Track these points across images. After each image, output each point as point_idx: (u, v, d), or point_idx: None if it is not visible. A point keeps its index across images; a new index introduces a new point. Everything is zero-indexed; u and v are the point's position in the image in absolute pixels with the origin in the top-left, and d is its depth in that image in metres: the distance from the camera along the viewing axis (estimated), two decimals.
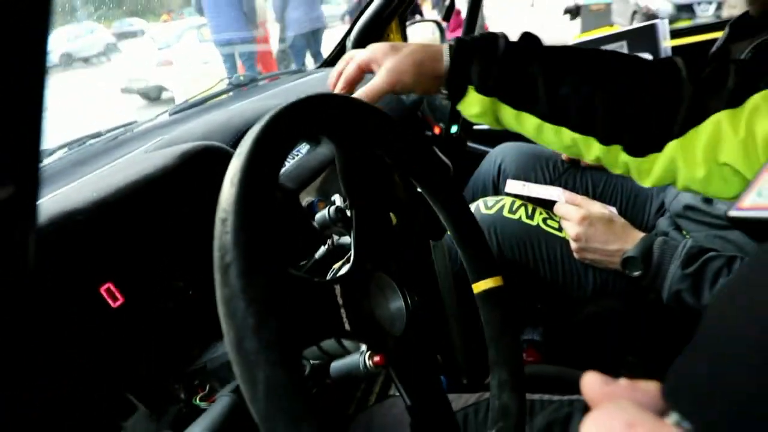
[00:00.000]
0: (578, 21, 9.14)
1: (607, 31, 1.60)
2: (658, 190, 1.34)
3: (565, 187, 1.30)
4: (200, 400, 0.59)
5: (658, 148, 0.68)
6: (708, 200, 1.08)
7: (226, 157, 0.78)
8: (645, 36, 1.56)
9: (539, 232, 1.19)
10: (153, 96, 7.17)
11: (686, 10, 8.54)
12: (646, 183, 0.73)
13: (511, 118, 0.74)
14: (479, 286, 0.72)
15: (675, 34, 1.62)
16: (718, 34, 1.60)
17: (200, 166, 0.74)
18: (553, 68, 0.70)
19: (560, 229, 1.18)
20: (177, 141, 0.92)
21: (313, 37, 5.16)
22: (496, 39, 0.72)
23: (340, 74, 0.77)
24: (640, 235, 1.04)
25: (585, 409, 0.79)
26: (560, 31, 9.07)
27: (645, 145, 0.68)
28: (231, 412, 0.53)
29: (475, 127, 1.77)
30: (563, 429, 0.71)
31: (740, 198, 0.33)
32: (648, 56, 1.58)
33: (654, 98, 0.67)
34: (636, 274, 1.00)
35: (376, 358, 0.50)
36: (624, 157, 0.71)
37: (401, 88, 0.73)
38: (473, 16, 1.64)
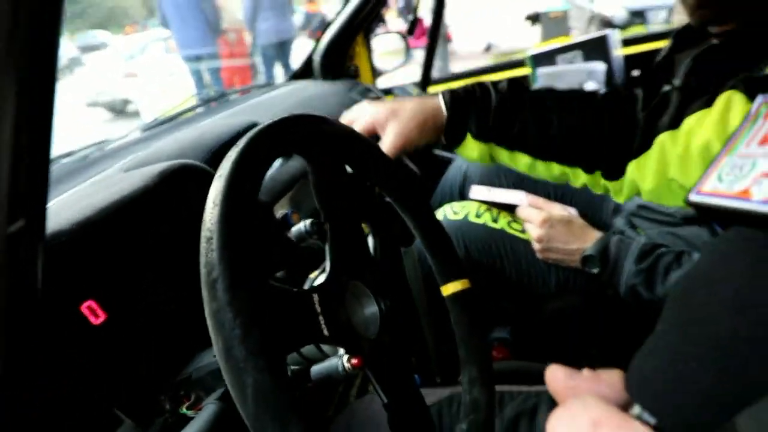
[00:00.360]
0: (539, 27, 9.36)
1: (564, 42, 1.68)
2: None
3: (528, 191, 1.37)
4: (187, 408, 0.62)
5: (622, 171, 0.78)
6: None
7: (203, 175, 0.81)
8: (598, 46, 1.65)
9: (504, 235, 1.24)
10: (119, 109, 7.05)
11: (639, 15, 8.84)
12: (620, 200, 0.84)
13: (506, 157, 0.84)
14: (448, 289, 0.77)
15: (626, 42, 1.71)
16: (666, 43, 1.70)
17: (179, 185, 0.76)
18: (540, 112, 0.80)
19: (524, 231, 1.23)
20: (150, 160, 0.94)
21: (282, 49, 5.17)
22: (488, 91, 0.82)
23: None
24: (598, 234, 1.11)
25: (551, 400, 0.84)
26: (522, 37, 9.28)
27: (615, 170, 0.79)
28: (218, 419, 0.56)
29: None
30: (530, 420, 0.76)
31: (700, 182, 0.36)
32: (602, 65, 1.67)
33: (617, 130, 0.78)
34: (595, 270, 1.06)
35: (354, 361, 0.53)
36: (603, 181, 0.82)
37: (408, 148, 0.81)
38: (437, 25, 1.70)
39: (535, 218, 1.14)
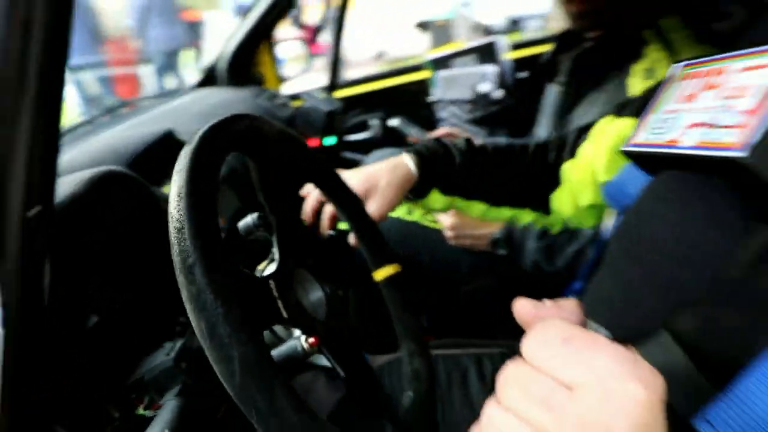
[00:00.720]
0: (427, 35, 9.79)
1: (458, 47, 1.82)
2: None
3: None
4: (144, 409, 0.62)
5: (549, 208, 0.97)
6: None
7: (130, 181, 0.81)
8: (488, 51, 1.80)
9: (418, 227, 1.33)
10: None
11: (516, 23, 9.53)
12: (555, 231, 1.04)
13: (464, 205, 1.00)
14: (380, 274, 0.83)
15: (514, 47, 1.88)
16: (546, 48, 1.90)
17: (107, 191, 0.76)
18: (490, 167, 0.96)
19: (436, 221, 1.33)
20: (64, 170, 0.91)
21: (172, 57, 4.96)
22: (450, 151, 0.96)
23: (314, 211, 0.93)
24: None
25: (478, 361, 0.93)
26: (413, 43, 9.62)
27: (544, 207, 0.97)
28: (182, 413, 0.57)
29: (348, 137, 1.90)
30: (462, 378, 0.84)
31: (633, 135, 0.43)
32: (493, 67, 1.83)
33: (537, 174, 0.95)
34: (503, 252, 1.18)
35: (311, 340, 0.58)
36: (545, 216, 0.99)
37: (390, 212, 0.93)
38: (340, 30, 1.77)
39: None
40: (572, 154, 0.90)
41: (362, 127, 1.89)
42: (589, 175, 0.83)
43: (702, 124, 0.35)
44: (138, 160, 0.97)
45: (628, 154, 0.42)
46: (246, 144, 0.61)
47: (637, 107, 0.83)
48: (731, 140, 0.32)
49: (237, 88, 1.67)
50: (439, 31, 9.84)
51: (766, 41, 0.34)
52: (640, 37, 1.09)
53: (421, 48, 9.75)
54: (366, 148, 1.87)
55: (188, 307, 0.42)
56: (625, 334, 0.35)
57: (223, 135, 0.56)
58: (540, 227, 1.15)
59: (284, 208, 0.65)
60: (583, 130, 0.90)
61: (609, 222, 0.77)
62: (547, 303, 0.39)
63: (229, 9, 8.82)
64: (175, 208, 0.45)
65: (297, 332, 0.59)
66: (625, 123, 0.78)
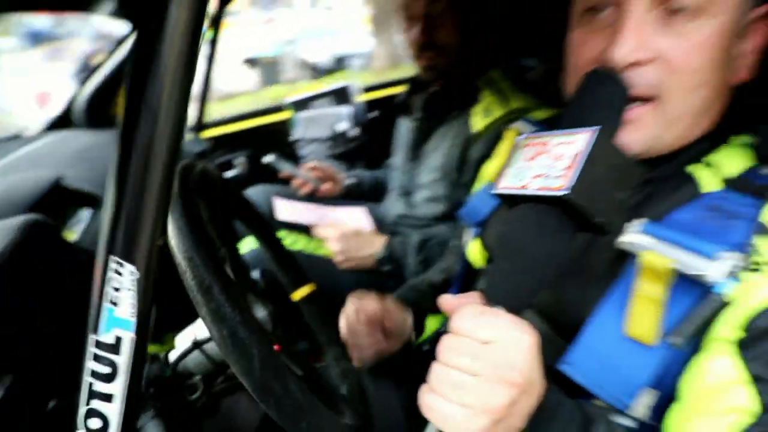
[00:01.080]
0: (256, 71, 9.87)
1: (316, 90, 2.00)
2: (377, 207, 1.76)
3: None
4: None
5: None
6: (412, 207, 1.52)
7: (50, 228, 0.82)
8: (342, 94, 2.02)
9: (302, 255, 1.46)
10: None
11: (340, 62, 10.10)
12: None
13: None
14: (298, 294, 0.95)
15: (368, 89, 2.13)
16: (402, 88, 2.17)
17: (31, 238, 0.77)
18: None
19: (321, 247, 1.47)
20: None
21: None
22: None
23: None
24: (383, 239, 1.41)
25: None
26: (240, 81, 9.61)
27: None
28: None
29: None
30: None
31: (498, 182, 0.62)
32: (347, 108, 2.04)
33: None
34: (388, 268, 1.36)
35: (275, 348, 0.68)
36: None
37: None
38: (209, 70, 1.82)
39: (332, 235, 1.39)
40: None
41: (227, 166, 1.96)
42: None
43: (541, 175, 0.56)
44: (35, 208, 0.96)
45: (498, 195, 0.63)
46: (203, 187, 0.70)
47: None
48: (558, 185, 0.54)
49: (98, 130, 1.64)
50: (267, 68, 10.00)
51: (571, 126, 0.57)
52: (476, 85, 1.38)
53: (251, 84, 9.82)
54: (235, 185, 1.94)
55: (208, 321, 0.52)
56: (519, 312, 0.55)
57: (190, 179, 0.65)
58: (417, 243, 1.36)
59: (231, 240, 0.75)
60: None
61: (467, 236, 1.00)
62: (460, 296, 0.58)
63: (20, 36, 7.95)
64: (179, 242, 0.54)
65: None
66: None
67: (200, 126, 1.82)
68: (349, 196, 1.78)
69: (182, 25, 0.33)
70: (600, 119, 0.55)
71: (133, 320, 0.37)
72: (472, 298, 0.58)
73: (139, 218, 0.36)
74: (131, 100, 0.34)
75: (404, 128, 1.67)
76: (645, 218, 0.62)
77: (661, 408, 0.62)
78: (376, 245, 1.39)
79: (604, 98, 0.58)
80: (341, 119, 2.02)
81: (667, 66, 0.60)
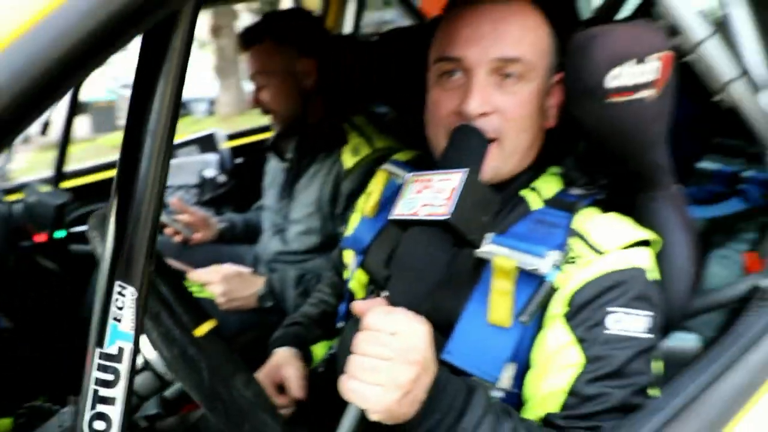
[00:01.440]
0: (88, 117, 9.16)
1: (182, 138, 2.03)
2: (251, 249, 1.84)
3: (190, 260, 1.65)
4: None
5: None
6: (286, 243, 1.63)
7: None
8: (208, 141, 2.08)
9: None
10: None
11: (185, 106, 9.83)
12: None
13: None
14: (201, 330, 1.01)
15: (232, 137, 2.20)
16: (268, 134, 2.27)
17: None
18: None
19: (200, 290, 1.51)
20: None
21: None
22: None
23: None
24: (262, 278, 1.49)
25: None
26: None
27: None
28: None
29: (75, 229, 1.86)
30: None
31: (392, 211, 0.77)
32: (214, 155, 2.10)
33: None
34: (269, 304, 1.45)
35: None
36: None
37: None
38: (70, 121, 1.76)
39: (214, 278, 1.44)
40: None
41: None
42: None
43: (427, 204, 0.74)
44: None
45: (393, 221, 0.79)
46: None
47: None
48: (441, 211, 0.71)
49: None
50: (100, 113, 9.34)
51: (448, 167, 0.76)
52: (342, 128, 1.56)
53: (82, 132, 9.06)
54: None
55: (159, 342, 0.59)
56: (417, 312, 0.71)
57: None
58: (295, 277, 1.47)
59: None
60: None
61: (353, 261, 1.14)
62: (368, 300, 0.72)
63: None
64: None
65: None
66: (351, 222, 1.18)
67: (59, 176, 1.74)
68: (222, 241, 1.83)
69: (175, 67, 0.43)
70: (468, 162, 0.75)
71: (132, 333, 0.45)
72: (378, 301, 0.73)
73: (137, 248, 0.44)
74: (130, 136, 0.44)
75: (274, 169, 1.78)
76: (494, 232, 0.83)
77: (519, 377, 0.81)
78: (257, 284, 1.47)
79: (470, 146, 0.78)
80: (208, 166, 2.07)
81: (503, 116, 0.82)
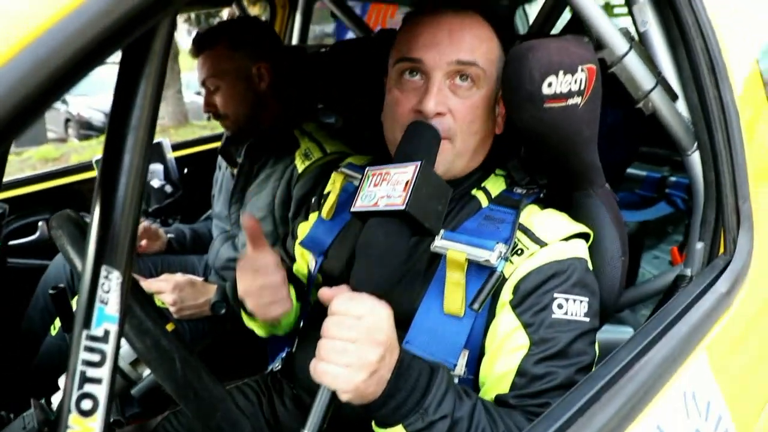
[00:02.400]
0: None
1: None
2: (201, 258, 1.82)
3: (138, 271, 1.63)
4: None
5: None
6: (237, 248, 1.64)
7: None
8: (155, 151, 2.04)
9: None
10: None
11: None
12: None
13: None
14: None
15: (176, 147, 2.18)
16: (214, 145, 2.26)
17: None
18: None
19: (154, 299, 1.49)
20: None
21: None
22: None
23: None
24: (214, 285, 1.49)
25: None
26: None
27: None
28: None
29: (12, 242, 1.79)
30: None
31: (354, 202, 0.81)
32: (160, 165, 2.07)
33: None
34: (223, 311, 1.45)
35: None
36: None
37: None
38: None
39: (166, 287, 1.42)
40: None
41: (29, 229, 1.81)
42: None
43: (386, 196, 0.78)
44: None
45: (354, 213, 0.83)
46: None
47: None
48: (399, 202, 0.76)
49: None
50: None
51: (403, 160, 0.81)
52: (293, 134, 1.59)
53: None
54: (37, 251, 1.80)
55: (132, 334, 0.61)
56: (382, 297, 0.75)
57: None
58: None
59: None
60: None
61: (311, 262, 1.17)
62: (334, 288, 0.76)
63: None
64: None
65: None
66: (305, 223, 1.21)
67: None
68: (171, 251, 1.81)
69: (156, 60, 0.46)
70: (422, 155, 0.80)
71: (118, 315, 0.46)
72: (343, 288, 0.76)
73: (122, 234, 0.47)
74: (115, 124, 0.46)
75: (223, 177, 1.79)
76: (446, 229, 0.89)
77: (472, 363, 0.87)
78: (209, 292, 1.46)
79: (424, 140, 0.84)
80: (155, 176, 2.04)
81: (455, 117, 0.89)
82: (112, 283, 0.46)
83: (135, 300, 0.62)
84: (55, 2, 0.38)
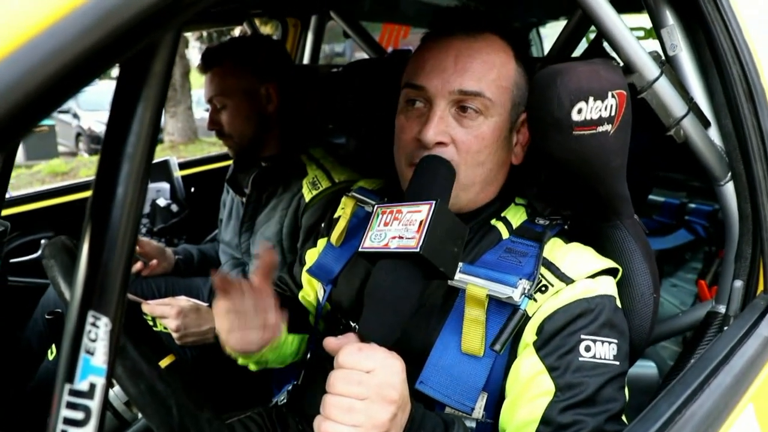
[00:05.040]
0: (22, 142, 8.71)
1: None
2: (206, 281, 1.77)
3: (144, 292, 1.58)
4: None
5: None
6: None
7: None
8: (162, 169, 2.01)
9: None
10: None
11: None
12: None
13: None
14: (163, 363, 0.96)
15: (183, 165, 2.14)
16: (222, 164, 2.22)
17: None
18: None
19: (155, 324, 1.44)
20: None
21: None
22: None
23: None
24: None
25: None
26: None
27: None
28: None
29: (14, 260, 1.75)
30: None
31: (362, 241, 0.76)
32: (166, 184, 2.03)
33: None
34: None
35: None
36: None
37: None
38: None
39: (170, 312, 1.37)
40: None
41: (31, 247, 1.77)
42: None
43: (397, 237, 0.73)
44: None
45: (362, 254, 0.78)
46: None
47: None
48: (412, 244, 0.71)
49: None
50: (37, 138, 8.91)
51: (416, 198, 0.76)
52: (300, 161, 1.55)
53: (18, 158, 8.61)
54: (38, 270, 1.76)
55: (125, 377, 0.55)
56: (380, 342, 0.69)
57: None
58: None
59: None
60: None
61: (320, 291, 1.12)
62: (340, 337, 0.70)
63: None
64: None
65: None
66: (313, 250, 1.17)
67: None
68: (177, 273, 1.76)
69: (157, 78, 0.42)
70: (436, 192, 0.75)
71: (106, 367, 0.41)
72: (351, 337, 0.71)
73: (112, 276, 0.42)
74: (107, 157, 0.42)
75: (231, 204, 1.74)
76: (465, 261, 0.83)
77: (491, 407, 0.81)
78: (214, 320, 1.41)
79: (438, 176, 0.79)
80: (160, 195, 2.00)
81: (458, 148, 0.84)
82: (99, 330, 0.41)
83: (128, 338, 0.56)
84: (39, 12, 0.33)
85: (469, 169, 0.85)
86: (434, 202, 0.72)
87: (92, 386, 0.40)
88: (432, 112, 0.83)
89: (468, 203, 0.88)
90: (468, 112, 0.84)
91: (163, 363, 0.97)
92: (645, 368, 1.36)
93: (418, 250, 0.68)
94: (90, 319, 0.40)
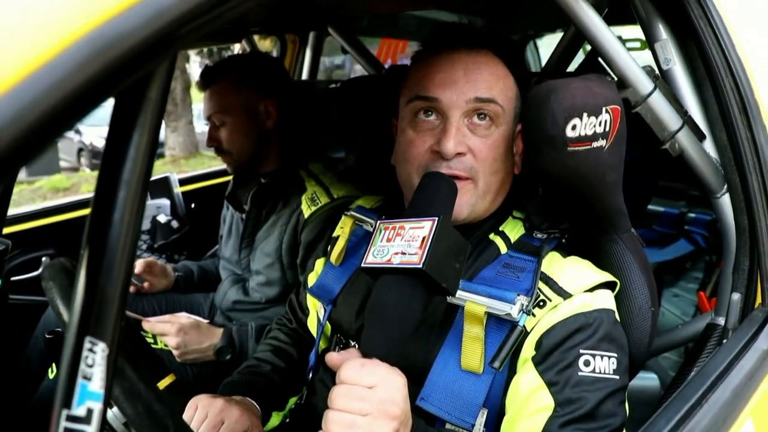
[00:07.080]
0: None
1: None
2: (207, 297, 1.77)
3: (142, 310, 1.58)
4: None
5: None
6: (246, 293, 1.59)
7: None
8: (162, 185, 2.02)
9: None
10: None
11: None
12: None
13: None
14: (163, 383, 0.96)
15: (183, 182, 2.15)
16: (222, 180, 2.23)
17: None
18: None
19: (155, 342, 1.44)
20: None
21: None
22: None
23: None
24: (220, 329, 1.44)
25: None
26: None
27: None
28: None
29: (15, 278, 1.75)
30: None
31: (365, 257, 0.76)
32: (166, 201, 2.04)
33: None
34: (228, 357, 1.39)
35: None
36: None
37: None
38: None
39: (170, 330, 1.37)
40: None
41: (32, 265, 1.78)
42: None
43: (400, 252, 0.73)
44: None
45: (365, 269, 0.78)
46: None
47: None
48: (415, 260, 0.71)
49: None
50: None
51: (418, 214, 0.76)
52: (299, 176, 1.55)
53: (19, 174, 8.64)
54: (39, 288, 1.76)
55: (122, 398, 0.55)
56: (381, 356, 0.69)
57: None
58: (255, 329, 1.42)
59: None
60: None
61: (320, 310, 1.12)
62: (342, 352, 0.70)
63: None
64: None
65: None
66: (313, 271, 1.17)
67: None
68: (178, 289, 1.76)
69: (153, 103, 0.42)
70: (439, 208, 0.75)
71: (102, 392, 0.41)
72: (353, 352, 0.71)
73: (109, 301, 0.42)
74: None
75: (231, 220, 1.74)
76: (463, 278, 0.83)
77: (491, 423, 0.81)
78: (214, 336, 1.41)
79: (441, 192, 0.79)
80: (161, 211, 2.01)
81: (476, 157, 0.85)
82: (97, 356, 0.41)
83: (126, 359, 0.56)
84: (36, 47, 0.34)
85: (487, 176, 0.86)
86: (437, 218, 0.72)
87: (89, 411, 0.41)
88: (448, 124, 0.85)
89: (483, 212, 0.89)
90: (483, 120, 0.86)
91: (163, 384, 0.97)
92: (647, 380, 1.35)
93: (421, 266, 0.68)
94: (87, 345, 0.41)
